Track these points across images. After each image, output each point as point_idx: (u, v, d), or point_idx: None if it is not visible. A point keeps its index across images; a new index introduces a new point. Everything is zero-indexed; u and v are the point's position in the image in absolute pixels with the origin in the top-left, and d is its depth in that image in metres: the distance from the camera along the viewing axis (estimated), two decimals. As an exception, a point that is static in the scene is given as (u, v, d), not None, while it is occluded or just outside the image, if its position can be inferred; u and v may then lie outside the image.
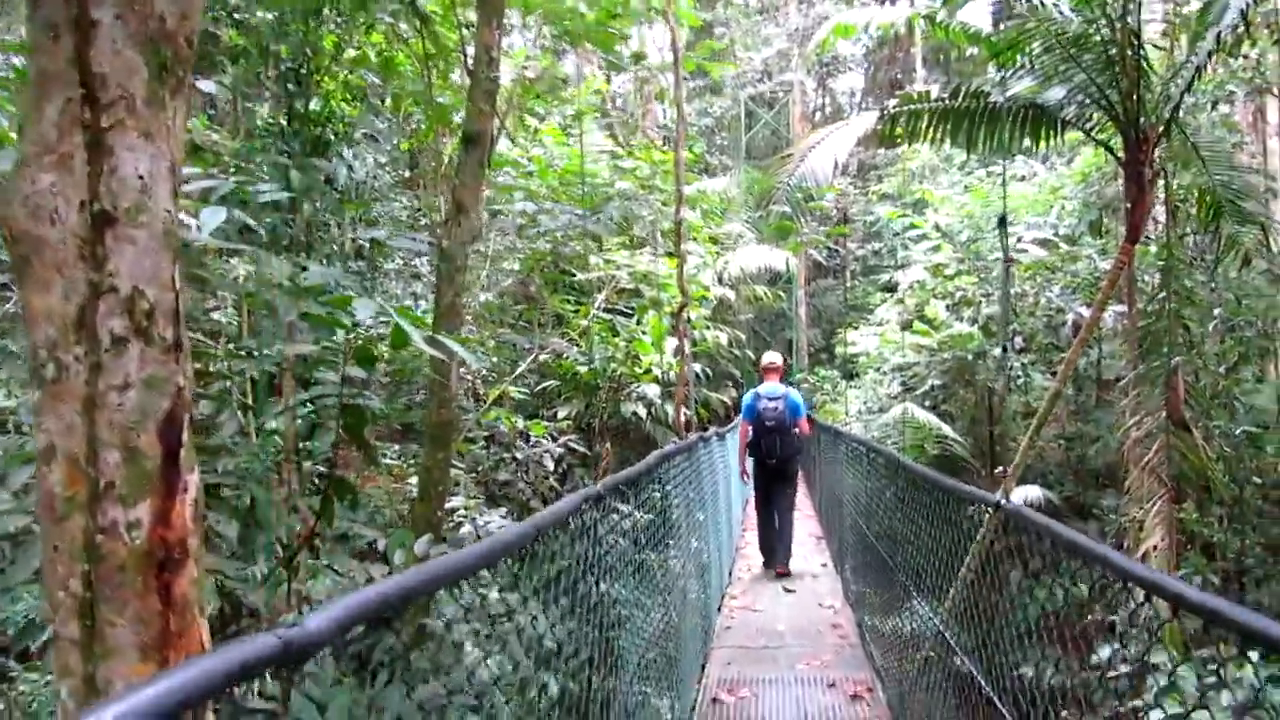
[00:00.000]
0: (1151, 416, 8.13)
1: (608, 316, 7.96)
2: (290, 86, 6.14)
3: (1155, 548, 7.60)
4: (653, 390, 11.16)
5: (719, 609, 6.26)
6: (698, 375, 13.00)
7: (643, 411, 11.29)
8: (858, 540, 5.78)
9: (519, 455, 6.66)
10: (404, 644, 3.37)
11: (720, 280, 15.25)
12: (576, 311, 7.38)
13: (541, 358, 8.64)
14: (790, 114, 22.84)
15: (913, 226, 14.47)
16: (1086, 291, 11.35)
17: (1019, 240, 11.99)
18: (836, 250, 24.48)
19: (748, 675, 4.76)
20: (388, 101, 6.27)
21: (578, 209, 5.68)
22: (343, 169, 7.15)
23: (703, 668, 4.97)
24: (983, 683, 2.94)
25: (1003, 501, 2.05)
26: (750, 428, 7.74)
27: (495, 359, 8.21)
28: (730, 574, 7.61)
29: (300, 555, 3.37)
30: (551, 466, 6.27)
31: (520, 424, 6.84)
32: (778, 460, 7.65)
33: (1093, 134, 8.25)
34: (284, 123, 6.13)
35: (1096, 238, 11.95)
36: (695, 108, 24.24)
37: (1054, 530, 1.76)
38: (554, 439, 7.05)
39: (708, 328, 13.45)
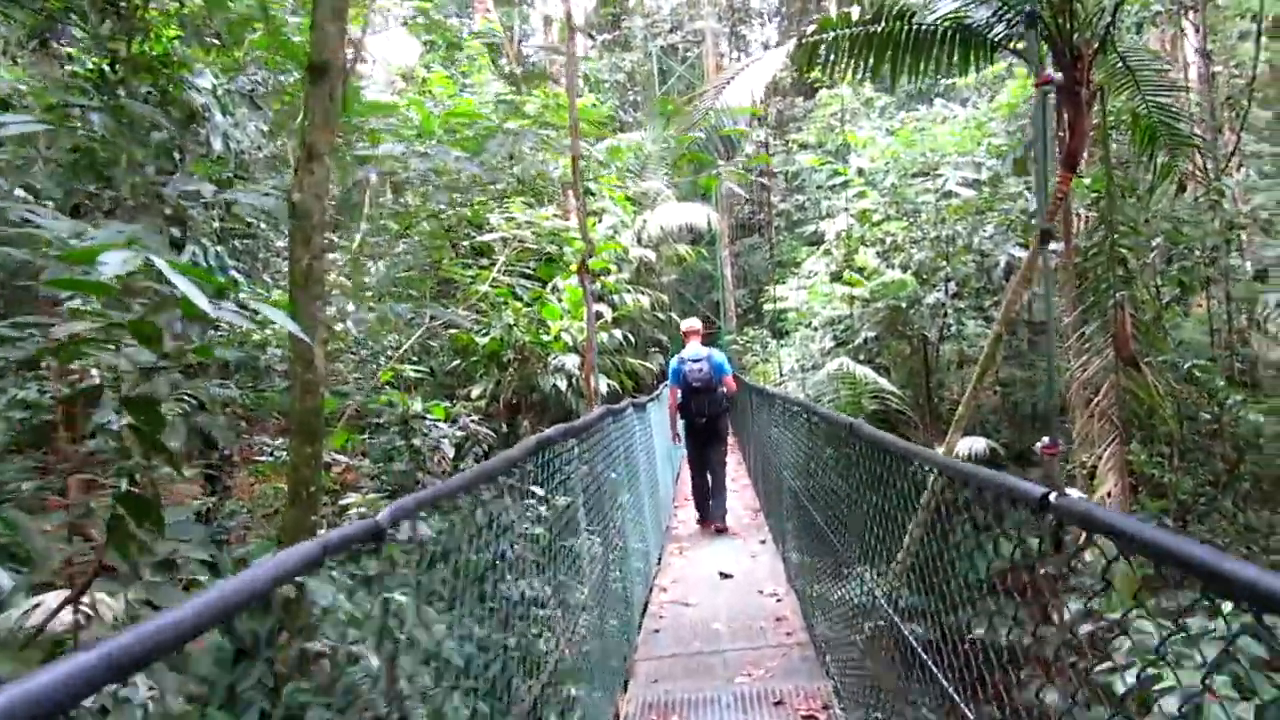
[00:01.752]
0: (1099, 356, 7.82)
1: (510, 281, 7.25)
2: (108, 22, 5.26)
3: (1110, 493, 7.30)
4: (572, 361, 10.49)
5: (645, 605, 5.65)
6: (621, 341, 12.38)
7: (563, 384, 10.64)
8: (801, 520, 5.23)
9: (415, 442, 5.95)
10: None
11: (640, 241, 14.61)
12: (474, 278, 6.66)
13: (451, 331, 7.93)
14: (704, 66, 22.19)
15: (836, 174, 14.03)
16: (1020, 231, 11.05)
17: (944, 183, 11.64)
18: (758, 207, 24.06)
19: (679, 695, 4.06)
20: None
21: (457, 151, 4.97)
22: (218, 137, 6.28)
23: (625, 684, 4.30)
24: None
25: (1053, 498, 1.44)
26: (678, 391, 8.24)
27: (390, 335, 7.46)
28: (660, 559, 7.03)
29: (87, 595, 2.64)
30: (451, 452, 5.56)
31: (417, 406, 6.11)
32: (707, 418, 8.20)
33: (1024, 54, 7.83)
34: (106, 69, 5.25)
35: (1021, 175, 11.65)
36: (606, 64, 23.42)
37: (1132, 531, 1.17)
38: (468, 421, 6.34)
39: (629, 291, 12.81)
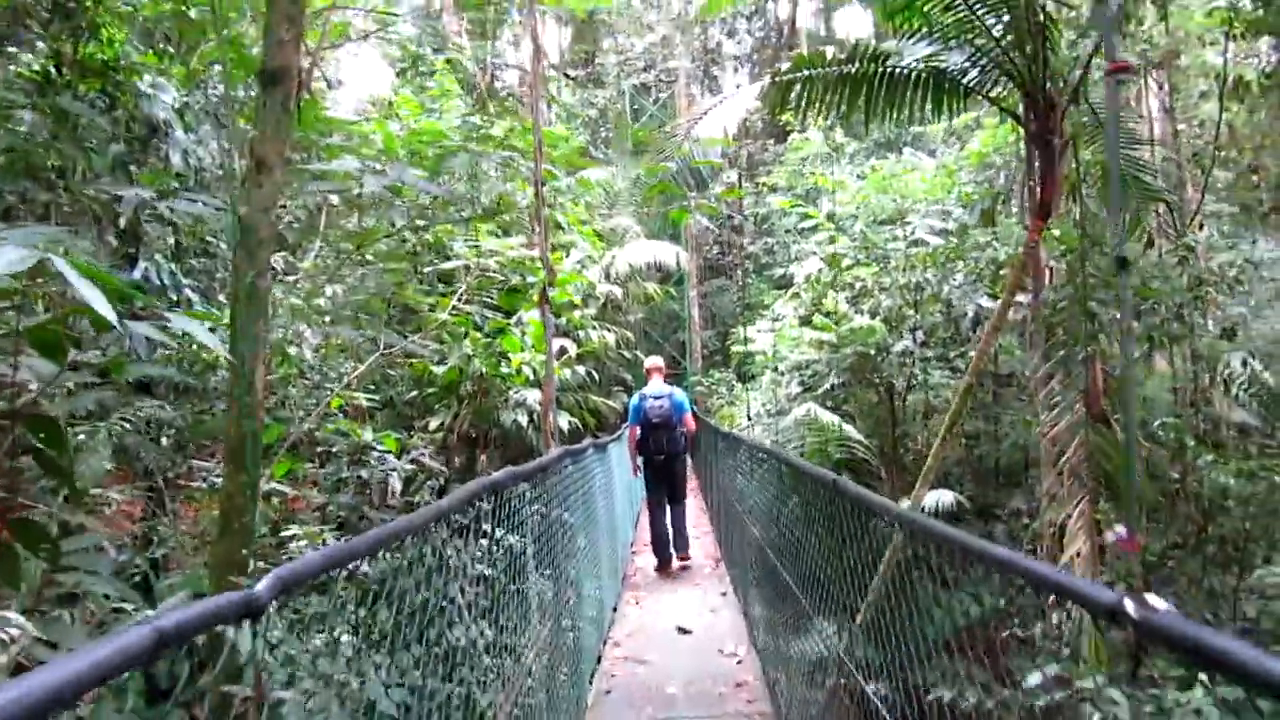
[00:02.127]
0: (1069, 412, 7.73)
1: (470, 309, 7.00)
2: (56, 22, 5.02)
3: (1079, 554, 7.17)
4: (533, 395, 10.25)
5: (599, 660, 5.34)
6: (585, 379, 12.17)
7: (524, 419, 10.38)
8: (766, 574, 4.98)
9: (363, 474, 5.67)
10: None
11: (608, 277, 14.46)
12: (434, 306, 6.41)
13: (412, 360, 7.66)
14: (677, 106, 22.29)
15: (806, 217, 14.02)
16: (988, 281, 11.05)
17: (912, 230, 11.65)
18: (727, 248, 24.09)
19: (625, 782, 3.77)
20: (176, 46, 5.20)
21: (414, 170, 4.75)
22: (177, 152, 6.01)
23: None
24: None
25: (1127, 605, 1.15)
26: (638, 429, 8.35)
27: (347, 361, 7.17)
28: (616, 609, 6.72)
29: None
30: (399, 486, 5.28)
31: (367, 436, 5.84)
32: (666, 456, 8.31)
33: (998, 101, 7.85)
34: (52, 71, 5.00)
35: (988, 226, 11.70)
36: (579, 99, 23.45)
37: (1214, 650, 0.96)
38: (419, 455, 6.05)
39: (594, 327, 12.63)
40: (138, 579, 5.40)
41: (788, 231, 23.23)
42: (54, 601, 2.75)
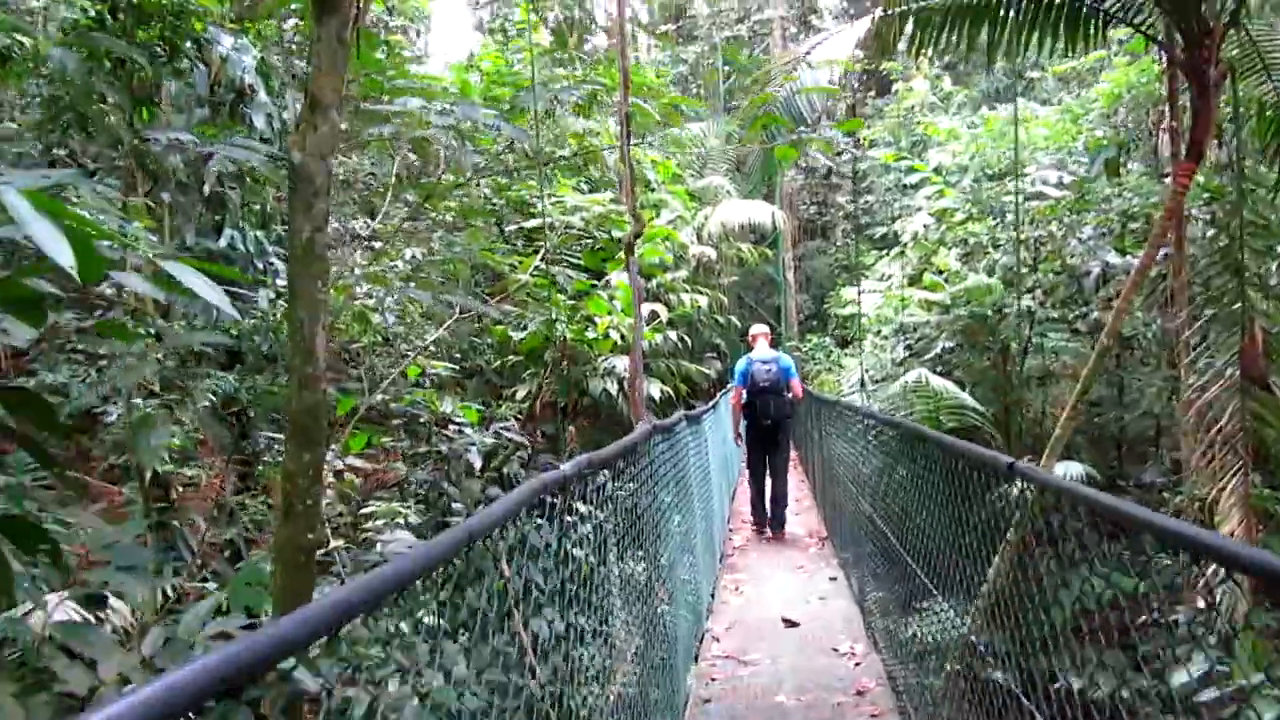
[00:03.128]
0: (1221, 376, 6.94)
1: (554, 271, 6.61)
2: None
3: (1233, 532, 6.42)
4: (622, 363, 9.88)
5: (695, 656, 4.88)
6: (677, 344, 11.72)
7: (614, 388, 10.03)
8: (890, 566, 4.45)
9: (442, 448, 5.37)
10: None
11: (700, 238, 13.94)
12: (515, 267, 6.05)
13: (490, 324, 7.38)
14: (772, 58, 21.42)
15: (913, 170, 13.19)
16: (1115, 236, 10.14)
17: (1031, 182, 10.77)
18: (824, 208, 23.21)
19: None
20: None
21: (488, 110, 4.38)
22: (260, 116, 5.79)
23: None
24: None
25: None
26: (744, 391, 8.32)
27: (429, 326, 6.91)
28: (714, 596, 6.23)
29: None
30: (479, 462, 4.95)
31: (446, 407, 5.54)
32: (772, 420, 8.22)
33: (1143, 28, 7.00)
34: (107, 16, 4.76)
35: (1112, 178, 10.71)
36: (668, 55, 22.81)
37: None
38: (500, 428, 5.72)
39: (686, 290, 12.15)
40: (228, 554, 5.25)
41: (888, 190, 22.24)
42: (82, 602, 2.47)
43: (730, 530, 8.80)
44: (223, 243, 7.10)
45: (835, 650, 4.98)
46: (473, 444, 5.05)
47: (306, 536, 3.97)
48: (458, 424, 5.33)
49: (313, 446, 3.95)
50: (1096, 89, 10.57)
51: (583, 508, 2.41)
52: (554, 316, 6.08)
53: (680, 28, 24.37)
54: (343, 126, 3.94)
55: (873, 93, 21.83)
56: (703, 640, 5.23)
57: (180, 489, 6.09)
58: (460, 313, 5.80)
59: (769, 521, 8.55)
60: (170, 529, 5.29)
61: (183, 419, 5.34)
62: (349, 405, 5.40)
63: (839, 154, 21.41)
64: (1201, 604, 6.16)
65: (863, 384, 12.08)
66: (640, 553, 3.55)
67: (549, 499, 1.97)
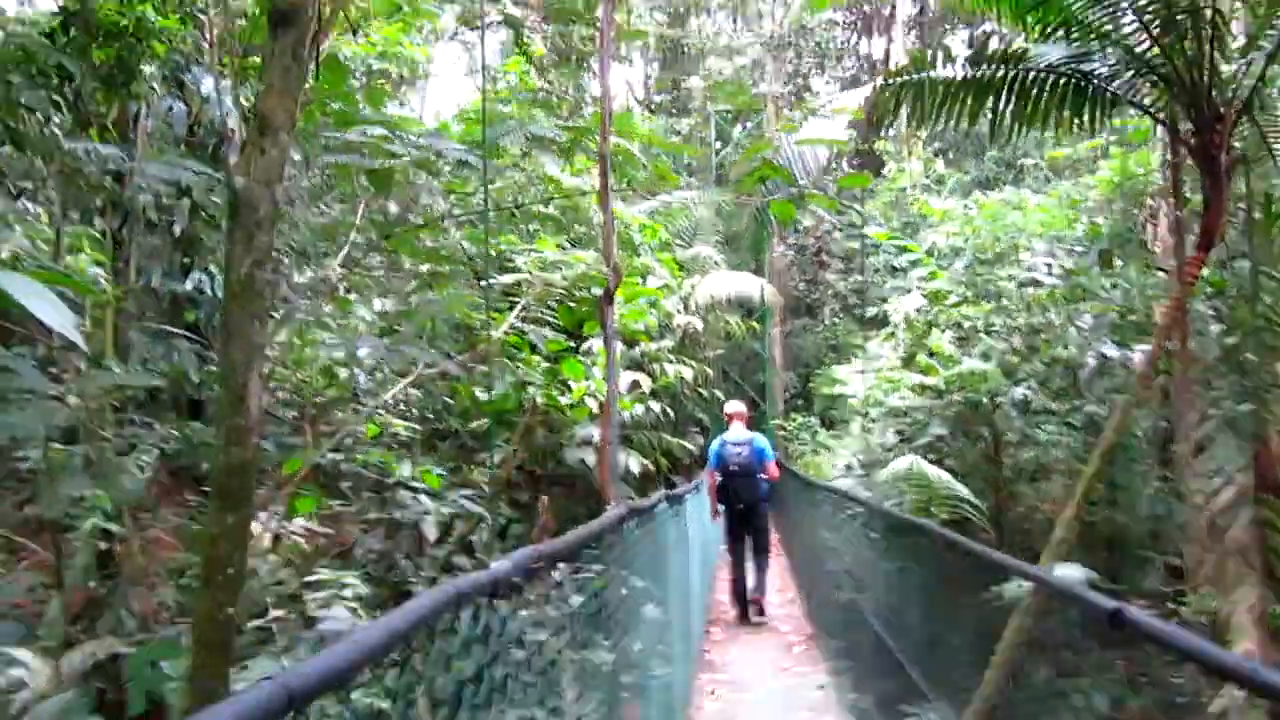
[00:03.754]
0: (1234, 482, 6.60)
1: (529, 329, 6.23)
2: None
3: (1248, 650, 6.00)
4: (598, 433, 9.47)
5: None
6: (660, 416, 11.32)
7: (591, 458, 9.59)
8: (892, 677, 3.94)
9: (396, 515, 4.93)
10: None
11: (686, 308, 13.66)
12: (485, 325, 5.66)
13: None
14: (766, 130, 21.55)
15: (905, 250, 13.02)
16: (1120, 329, 9.90)
17: (1028, 268, 10.60)
18: (812, 285, 23.09)
19: None
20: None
21: (456, 145, 4.05)
22: (235, 154, 5.48)
23: None
24: None
25: None
26: (717, 475, 8.19)
27: (389, 379, 6.50)
28: (687, 707, 5.58)
29: None
30: (433, 534, 4.50)
31: (404, 470, 5.10)
32: (745, 505, 8.13)
33: (1152, 111, 6.83)
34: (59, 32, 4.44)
35: (1106, 269, 10.55)
36: (660, 124, 22.90)
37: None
38: (459, 497, 5.26)
39: (670, 361, 11.80)
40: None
41: (877, 271, 22.18)
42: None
43: (708, 624, 8.26)
44: (189, 285, 6.69)
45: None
46: (427, 513, 4.60)
47: (225, 610, 3.49)
48: (414, 490, 4.89)
49: (238, 507, 3.51)
50: (1095, 176, 10.45)
51: (525, 614, 1.98)
52: (525, 379, 5.65)
53: (675, 100, 24.58)
54: (295, 155, 3.60)
55: (866, 171, 21.94)
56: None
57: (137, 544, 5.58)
58: (427, 368, 5.39)
59: (750, 608, 8.31)
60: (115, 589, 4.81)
61: (133, 468, 4.90)
62: (296, 465, 4.95)
63: (830, 232, 21.41)
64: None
65: (850, 468, 11.70)
66: (604, 654, 3.11)
67: (472, 607, 1.53)
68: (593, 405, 6.82)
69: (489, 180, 4.78)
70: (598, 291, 5.07)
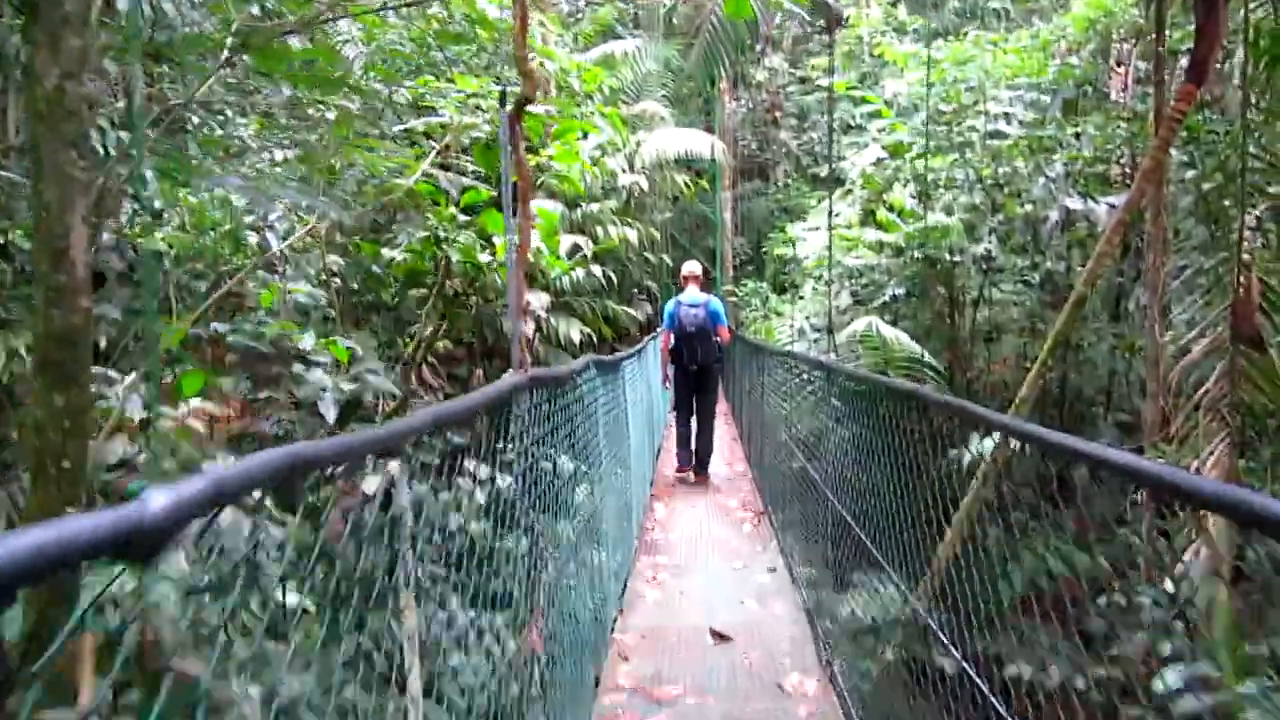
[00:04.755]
0: (1208, 332, 6.25)
1: (443, 176, 5.46)
2: None
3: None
4: (539, 300, 8.87)
5: (596, 682, 3.84)
6: (602, 282, 10.71)
7: (529, 328, 9.02)
8: (855, 558, 3.55)
9: (296, 393, 4.32)
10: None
11: (632, 167, 12.85)
12: (399, 171, 4.90)
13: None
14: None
15: (865, 101, 12.28)
16: (1086, 180, 9.41)
17: (993, 117, 9.97)
18: (765, 144, 22.21)
19: None
20: None
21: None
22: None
23: None
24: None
25: None
26: (671, 335, 8.41)
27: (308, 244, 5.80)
28: (626, 584, 5.24)
29: None
30: (332, 414, 3.92)
31: (306, 342, 4.47)
32: (699, 366, 8.34)
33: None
34: None
35: (1070, 118, 9.97)
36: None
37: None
38: (363, 371, 4.64)
39: (614, 223, 11.10)
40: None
41: (832, 132, 21.31)
42: None
43: (652, 497, 7.90)
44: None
45: (780, 688, 3.80)
46: (324, 389, 4.01)
47: (65, 508, 2.96)
48: (311, 364, 4.28)
49: (70, 386, 2.91)
50: (1069, 14, 9.73)
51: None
52: (439, 232, 4.91)
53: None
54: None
55: (821, 27, 20.80)
56: (609, 652, 4.22)
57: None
58: (319, 218, 4.68)
59: (693, 465, 8.73)
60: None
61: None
62: (180, 336, 4.30)
63: (785, 88, 20.40)
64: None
65: (802, 332, 11.29)
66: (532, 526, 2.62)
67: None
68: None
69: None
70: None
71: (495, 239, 5.38)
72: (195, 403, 4.87)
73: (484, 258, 5.26)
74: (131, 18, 3.23)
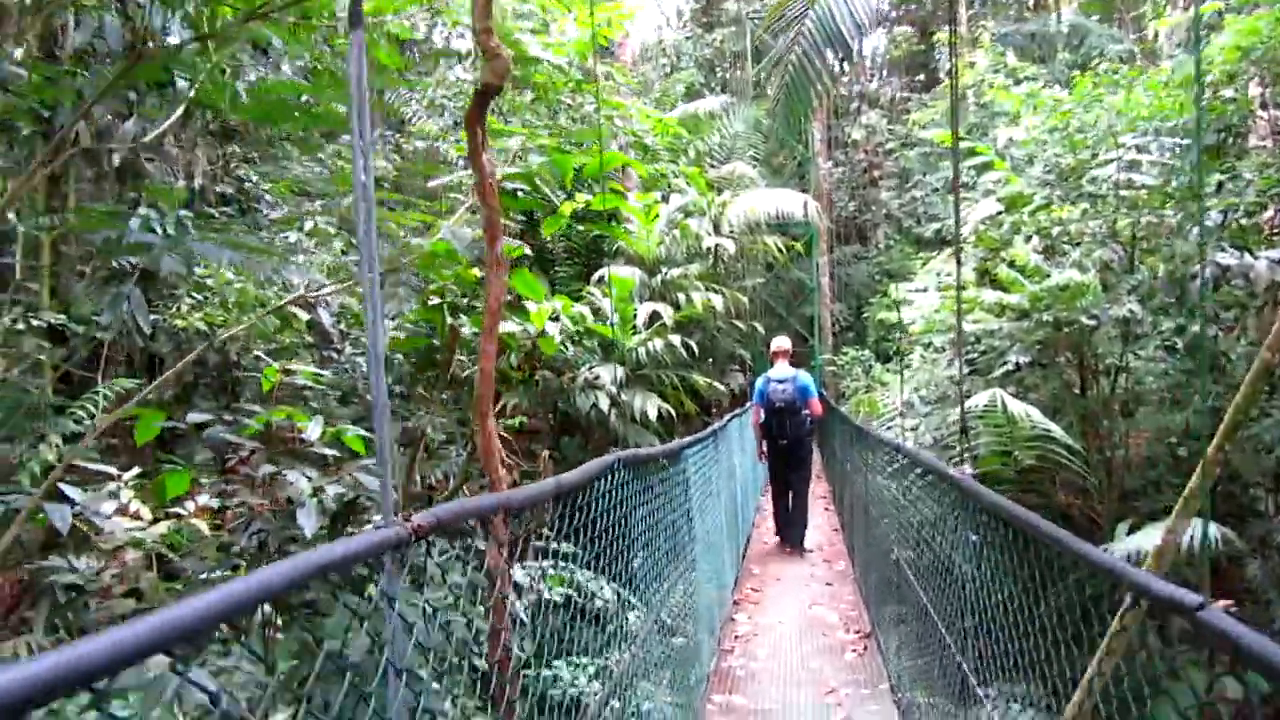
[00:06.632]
0: None
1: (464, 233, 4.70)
2: None
3: None
4: (609, 373, 8.03)
5: None
6: (684, 353, 9.80)
7: (605, 403, 8.18)
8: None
9: (279, 495, 3.53)
10: None
11: (717, 230, 12.02)
12: (429, 227, 4.15)
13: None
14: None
15: (974, 153, 11.19)
16: (1244, 230, 8.13)
17: (1126, 164, 8.76)
18: (864, 206, 21.18)
19: None
20: None
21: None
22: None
23: None
24: None
25: None
26: (761, 410, 8.58)
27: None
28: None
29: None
30: (312, 525, 3.08)
31: (313, 432, 3.67)
32: (789, 440, 8.49)
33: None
34: None
35: (1214, 167, 8.66)
36: (691, 41, 21.01)
37: None
38: (352, 472, 3.79)
39: (698, 289, 10.24)
40: None
41: (935, 191, 20.17)
42: None
43: (735, 604, 6.80)
44: (134, 224, 5.40)
45: None
46: (310, 496, 3.18)
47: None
48: (306, 459, 3.48)
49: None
50: (1218, 44, 8.53)
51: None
52: (448, 299, 4.02)
53: (707, 10, 22.53)
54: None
55: (920, 77, 19.86)
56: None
57: None
58: (307, 289, 3.93)
59: (788, 539, 8.88)
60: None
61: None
62: (155, 419, 3.58)
63: (883, 146, 19.42)
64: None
65: (911, 405, 10.10)
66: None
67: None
68: (555, 334, 5.08)
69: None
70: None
71: (529, 305, 4.52)
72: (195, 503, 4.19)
73: (513, 328, 4.42)
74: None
